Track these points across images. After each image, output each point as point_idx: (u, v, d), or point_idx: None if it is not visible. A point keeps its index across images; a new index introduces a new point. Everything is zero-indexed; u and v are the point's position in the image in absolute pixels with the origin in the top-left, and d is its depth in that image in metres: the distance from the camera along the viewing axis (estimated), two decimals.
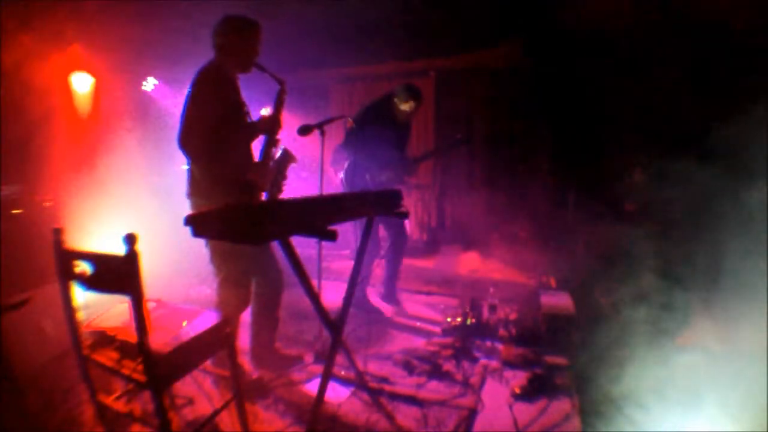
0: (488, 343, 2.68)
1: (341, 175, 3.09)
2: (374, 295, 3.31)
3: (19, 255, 2.54)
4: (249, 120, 2.15)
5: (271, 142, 2.15)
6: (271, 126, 2.14)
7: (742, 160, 2.23)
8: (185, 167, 2.06)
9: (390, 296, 3.32)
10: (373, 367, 2.40)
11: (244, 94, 2.14)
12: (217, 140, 1.92)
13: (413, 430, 1.91)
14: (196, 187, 2.02)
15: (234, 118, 2.05)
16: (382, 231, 3.19)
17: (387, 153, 2.92)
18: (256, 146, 2.20)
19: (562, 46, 3.97)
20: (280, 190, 2.20)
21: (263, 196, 2.15)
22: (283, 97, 2.17)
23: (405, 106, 2.93)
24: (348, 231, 2.87)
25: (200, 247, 2.09)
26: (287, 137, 2.24)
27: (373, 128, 2.86)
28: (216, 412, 1.65)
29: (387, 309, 3.21)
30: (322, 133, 2.49)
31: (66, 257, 1.43)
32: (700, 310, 2.18)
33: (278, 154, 2.19)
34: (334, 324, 1.73)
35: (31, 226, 2.94)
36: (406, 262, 3.14)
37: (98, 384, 1.62)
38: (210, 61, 2.02)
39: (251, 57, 2.06)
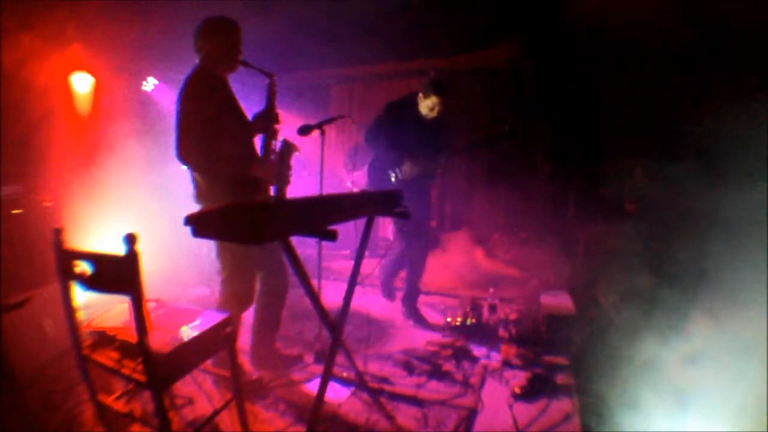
0: (488, 343, 2.68)
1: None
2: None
3: (19, 255, 2.54)
4: (244, 116, 2.15)
5: (269, 136, 2.15)
6: (266, 119, 2.14)
7: (743, 159, 2.23)
8: (185, 167, 2.06)
9: (412, 314, 3.07)
10: (373, 367, 2.40)
11: (239, 95, 2.14)
12: (216, 145, 1.91)
13: (413, 430, 1.91)
14: (201, 193, 2.03)
15: (230, 117, 2.04)
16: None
17: (410, 150, 2.74)
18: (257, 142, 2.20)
19: (562, 46, 3.97)
20: (287, 181, 2.17)
21: (271, 190, 2.15)
22: (273, 89, 2.16)
23: (427, 102, 2.71)
24: (350, 230, 2.86)
25: (200, 247, 2.10)
26: (287, 137, 2.24)
27: (396, 124, 2.72)
28: (216, 412, 1.65)
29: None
30: (322, 133, 2.48)
31: (66, 257, 1.43)
32: (701, 310, 2.18)
33: (278, 146, 2.18)
34: (334, 324, 1.73)
35: (31, 226, 2.93)
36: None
37: (98, 384, 1.62)
38: (194, 67, 2.01)
39: (235, 56, 2.07)
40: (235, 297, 2.11)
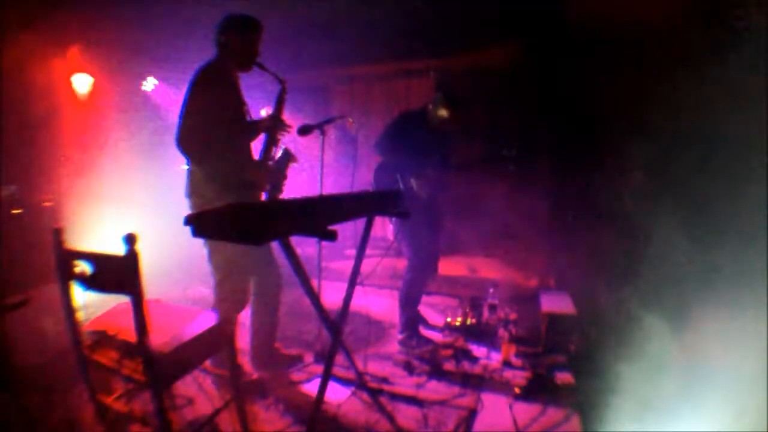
0: (488, 343, 2.68)
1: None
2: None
3: (19, 255, 2.54)
4: (249, 119, 2.16)
5: (271, 142, 2.15)
6: (271, 125, 2.15)
7: (743, 159, 2.23)
8: (185, 167, 2.06)
9: (406, 327, 2.72)
10: (373, 367, 2.40)
11: (244, 94, 2.14)
12: (216, 139, 1.92)
13: (413, 430, 1.91)
14: (195, 187, 2.02)
15: (234, 117, 2.05)
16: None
17: (421, 159, 2.62)
18: (257, 146, 2.20)
19: (562, 46, 3.97)
20: (279, 191, 2.20)
21: (263, 196, 2.15)
22: (284, 96, 2.18)
23: (439, 113, 2.61)
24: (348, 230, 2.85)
25: (200, 247, 2.10)
26: (286, 137, 2.25)
27: (408, 133, 2.61)
28: (216, 412, 1.65)
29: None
30: (322, 133, 2.49)
31: (66, 257, 1.43)
32: (701, 310, 2.18)
33: (279, 153, 2.19)
34: (334, 324, 1.73)
35: (31, 226, 2.94)
36: (405, 262, 2.96)
37: (98, 384, 1.62)
38: (210, 59, 2.02)
39: (252, 56, 2.07)
40: (229, 299, 2.11)
